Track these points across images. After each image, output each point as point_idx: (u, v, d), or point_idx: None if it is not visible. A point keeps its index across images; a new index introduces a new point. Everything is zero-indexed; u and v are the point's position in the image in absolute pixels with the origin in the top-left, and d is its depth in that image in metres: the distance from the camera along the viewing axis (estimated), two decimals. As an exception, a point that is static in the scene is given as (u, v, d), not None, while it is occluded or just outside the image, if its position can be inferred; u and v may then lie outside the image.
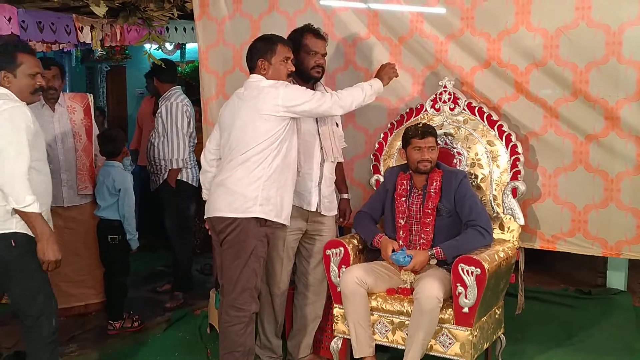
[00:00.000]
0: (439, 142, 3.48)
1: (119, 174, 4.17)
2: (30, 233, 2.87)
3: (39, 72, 2.99)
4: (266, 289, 3.45)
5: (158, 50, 5.91)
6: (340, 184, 3.68)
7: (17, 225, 2.87)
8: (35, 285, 2.94)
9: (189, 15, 4.62)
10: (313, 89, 3.38)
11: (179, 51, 7.12)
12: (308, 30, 3.41)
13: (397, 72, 3.50)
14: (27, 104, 2.95)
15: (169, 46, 6.76)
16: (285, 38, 3.33)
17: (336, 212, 3.59)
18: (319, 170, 3.38)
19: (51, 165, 4.14)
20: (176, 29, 5.22)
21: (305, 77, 3.40)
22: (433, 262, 3.27)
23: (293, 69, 3.23)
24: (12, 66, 2.92)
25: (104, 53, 7.37)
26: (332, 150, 3.40)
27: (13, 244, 2.87)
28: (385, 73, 3.42)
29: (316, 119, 3.37)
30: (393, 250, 3.30)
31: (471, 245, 3.24)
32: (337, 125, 3.51)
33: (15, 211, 2.82)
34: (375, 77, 3.42)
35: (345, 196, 3.71)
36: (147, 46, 5.51)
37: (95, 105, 4.70)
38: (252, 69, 3.25)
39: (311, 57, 3.37)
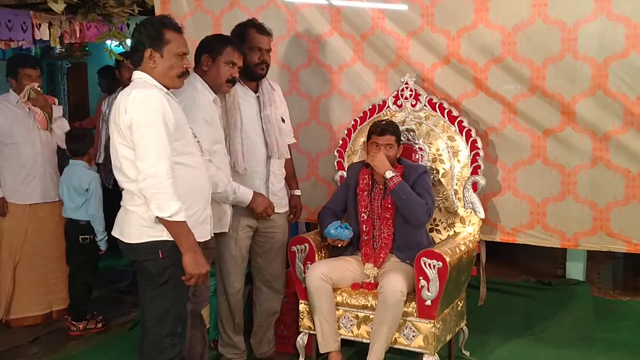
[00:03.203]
0: (401, 138, 3.51)
1: (85, 173, 4.10)
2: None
3: (187, 52, 2.65)
4: (221, 288, 3.43)
5: (119, 46, 5.81)
6: (291, 180, 3.63)
7: (166, 232, 2.51)
8: (169, 303, 2.59)
9: (150, 12, 4.56)
10: (257, 88, 3.35)
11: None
12: (251, 25, 3.32)
13: (270, 213, 3.27)
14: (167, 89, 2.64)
15: (130, 43, 6.65)
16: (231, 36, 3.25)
17: (287, 209, 3.56)
18: (265, 168, 3.33)
19: (29, 160, 4.11)
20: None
21: (250, 75, 3.30)
22: (388, 174, 3.29)
23: (237, 75, 3.11)
24: (159, 44, 2.59)
25: (64, 50, 7.22)
26: (277, 147, 3.35)
27: (160, 256, 2.54)
28: (260, 204, 3.22)
29: (260, 115, 3.32)
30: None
31: (415, 202, 3.27)
32: (284, 121, 3.47)
33: (159, 219, 2.47)
34: (253, 198, 3.19)
35: (297, 192, 3.66)
36: (108, 43, 5.43)
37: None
38: (195, 64, 3.12)
39: (255, 53, 3.25)
